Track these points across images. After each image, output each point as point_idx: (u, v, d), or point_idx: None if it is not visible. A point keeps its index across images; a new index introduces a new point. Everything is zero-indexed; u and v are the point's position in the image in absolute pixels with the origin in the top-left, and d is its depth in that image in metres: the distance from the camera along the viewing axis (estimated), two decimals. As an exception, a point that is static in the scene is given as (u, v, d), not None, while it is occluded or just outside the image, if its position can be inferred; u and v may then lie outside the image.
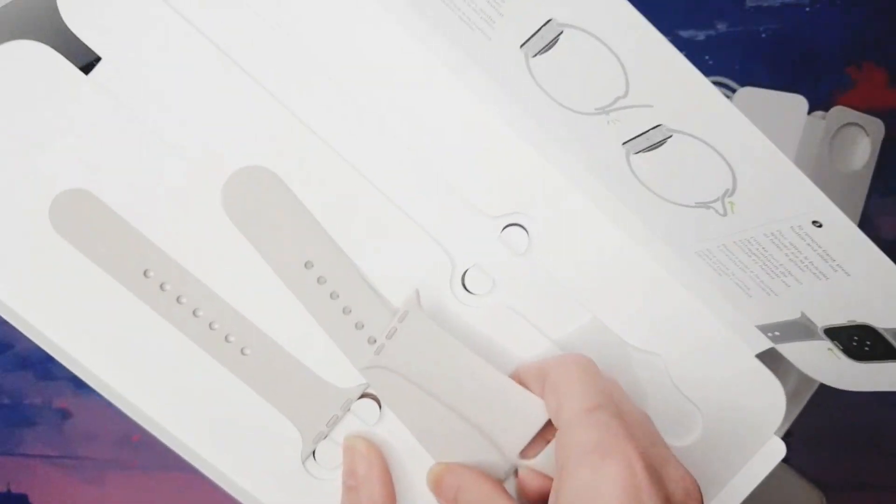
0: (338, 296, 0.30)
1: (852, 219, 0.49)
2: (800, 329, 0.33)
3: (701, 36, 0.51)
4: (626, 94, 0.27)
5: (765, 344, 0.34)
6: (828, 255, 0.29)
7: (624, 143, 0.29)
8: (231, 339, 0.30)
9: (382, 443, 0.32)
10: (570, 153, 0.31)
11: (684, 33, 0.51)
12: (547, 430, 0.31)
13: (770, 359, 0.47)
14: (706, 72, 0.51)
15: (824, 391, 0.48)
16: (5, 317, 0.30)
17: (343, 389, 0.31)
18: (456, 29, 0.29)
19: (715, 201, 0.30)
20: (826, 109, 0.50)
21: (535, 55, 0.28)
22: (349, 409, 0.31)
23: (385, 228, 0.31)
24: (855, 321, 0.32)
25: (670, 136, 0.28)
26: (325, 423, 0.31)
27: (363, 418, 0.31)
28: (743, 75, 0.51)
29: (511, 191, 0.31)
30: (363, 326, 0.30)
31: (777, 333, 0.34)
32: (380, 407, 0.31)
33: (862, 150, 0.50)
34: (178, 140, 0.29)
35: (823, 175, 0.49)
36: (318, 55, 0.29)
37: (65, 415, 0.50)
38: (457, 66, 0.30)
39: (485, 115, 0.30)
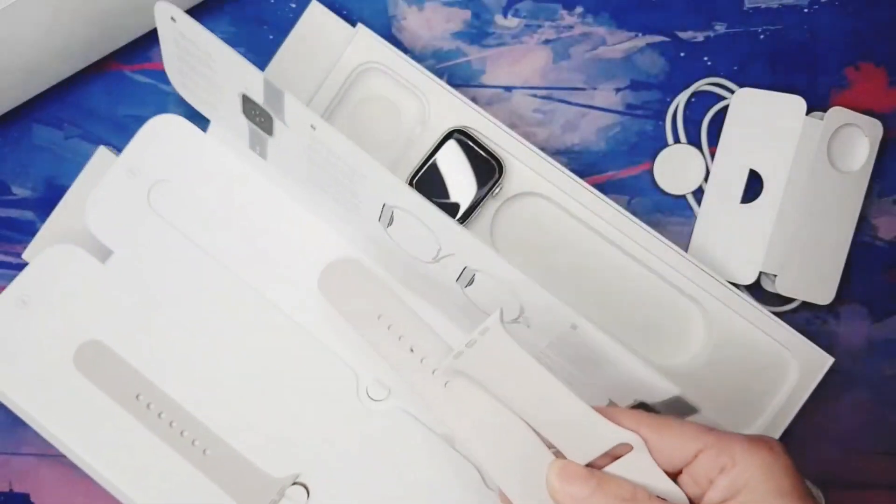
0: (401, 336, 0.39)
1: (850, 219, 0.50)
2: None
3: (700, 37, 0.52)
4: (441, 248, 0.39)
5: None
6: (593, 350, 0.36)
7: (455, 281, 0.40)
8: (196, 443, 0.42)
9: None
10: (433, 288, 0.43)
11: (683, 34, 0.51)
12: (615, 449, 0.33)
13: (778, 364, 0.47)
14: (705, 73, 0.52)
15: (823, 391, 0.48)
16: (36, 428, 0.43)
17: (279, 479, 0.42)
18: (347, 212, 0.42)
19: (518, 318, 0.39)
20: (824, 110, 0.50)
21: (387, 227, 0.40)
22: (284, 495, 0.42)
23: (305, 359, 0.44)
24: (638, 399, 0.38)
25: (475, 274, 0.39)
26: None
27: (295, 501, 0.42)
28: (742, 76, 0.51)
29: None
30: (413, 351, 0.39)
31: None
32: (308, 493, 0.42)
33: (860, 150, 0.50)
34: (168, 310, 0.44)
35: (821, 175, 0.49)
36: (269, 253, 0.44)
37: (66, 415, 0.50)
38: (353, 237, 0.44)
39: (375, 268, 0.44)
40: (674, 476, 0.33)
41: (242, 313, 0.44)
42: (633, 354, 0.34)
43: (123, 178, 0.44)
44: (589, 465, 0.32)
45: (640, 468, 0.32)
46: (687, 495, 0.33)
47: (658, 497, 0.31)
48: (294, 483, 0.42)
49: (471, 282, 0.39)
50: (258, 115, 0.41)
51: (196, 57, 0.42)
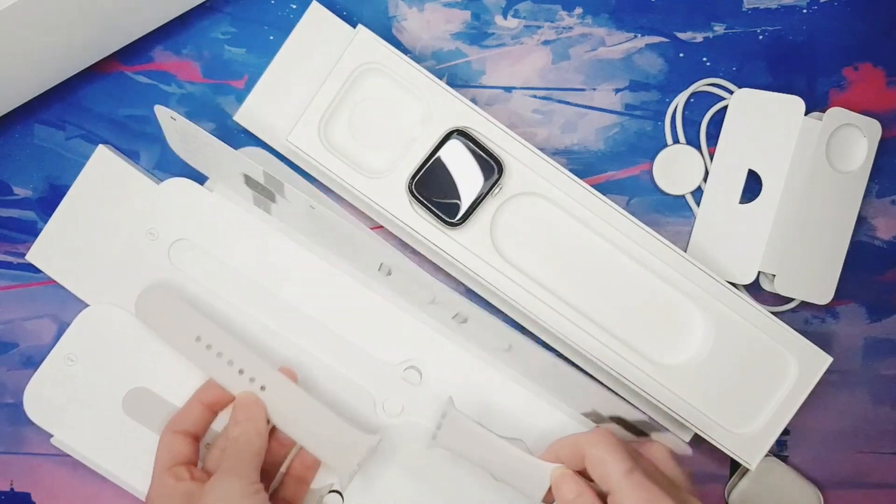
0: (219, 353, 0.46)
1: (848, 219, 0.50)
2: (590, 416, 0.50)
3: (699, 38, 0.52)
4: (435, 297, 0.48)
5: (591, 425, 0.50)
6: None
7: (451, 318, 0.49)
8: None
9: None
10: (436, 320, 0.50)
11: (682, 35, 0.52)
12: (548, 494, 0.43)
13: (777, 363, 0.47)
14: (704, 73, 0.52)
15: (821, 390, 0.49)
16: (93, 467, 0.48)
17: (316, 489, 0.48)
18: (351, 261, 0.49)
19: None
20: (823, 110, 0.50)
21: (387, 276, 0.48)
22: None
23: (325, 384, 0.49)
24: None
25: (468, 318, 0.48)
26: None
27: None
28: (741, 77, 0.52)
29: (406, 346, 0.50)
30: (231, 363, 0.46)
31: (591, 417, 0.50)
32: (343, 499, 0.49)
33: (858, 151, 0.50)
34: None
35: (820, 176, 0.50)
36: (272, 289, 0.49)
37: (67, 414, 0.50)
38: (359, 275, 0.50)
39: (383, 303, 0.49)
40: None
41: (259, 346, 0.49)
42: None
43: (146, 241, 0.49)
44: None
45: None
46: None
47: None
48: (330, 492, 0.48)
49: (464, 321, 0.48)
50: (260, 189, 0.47)
51: (196, 143, 0.47)
